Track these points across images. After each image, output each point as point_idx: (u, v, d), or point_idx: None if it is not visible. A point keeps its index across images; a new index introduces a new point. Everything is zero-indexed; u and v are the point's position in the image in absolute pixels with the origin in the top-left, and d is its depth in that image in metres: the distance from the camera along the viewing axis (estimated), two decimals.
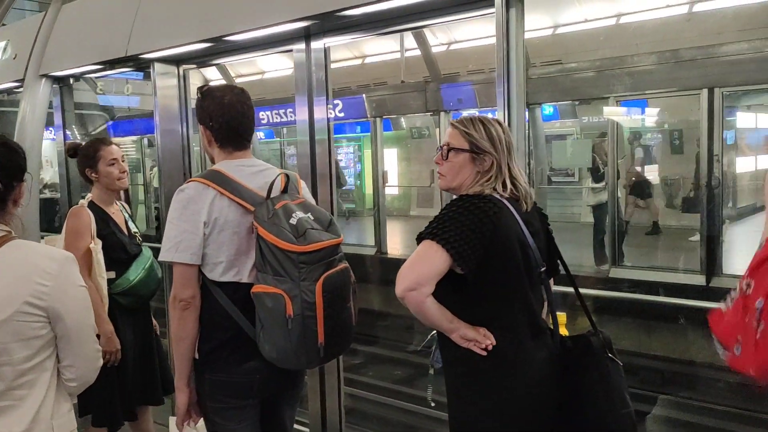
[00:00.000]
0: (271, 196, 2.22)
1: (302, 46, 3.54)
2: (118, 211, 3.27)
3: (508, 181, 2.04)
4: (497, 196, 2.01)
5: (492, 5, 2.68)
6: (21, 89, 4.90)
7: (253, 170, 2.32)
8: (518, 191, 2.06)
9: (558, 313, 2.18)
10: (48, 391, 1.82)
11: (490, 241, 1.93)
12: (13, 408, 1.76)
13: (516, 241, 1.99)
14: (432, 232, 1.94)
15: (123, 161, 3.21)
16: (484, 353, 1.96)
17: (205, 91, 2.35)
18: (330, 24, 3.31)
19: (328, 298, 2.12)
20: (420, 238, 1.97)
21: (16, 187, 1.83)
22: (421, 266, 1.93)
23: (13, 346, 1.73)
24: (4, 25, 6.14)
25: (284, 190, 2.28)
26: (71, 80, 5.02)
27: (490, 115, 2.18)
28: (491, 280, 1.97)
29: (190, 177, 4.13)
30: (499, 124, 2.11)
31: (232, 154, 2.34)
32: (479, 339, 1.96)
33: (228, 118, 2.29)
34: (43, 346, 1.80)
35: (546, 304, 2.17)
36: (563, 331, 2.21)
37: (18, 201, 1.85)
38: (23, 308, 1.72)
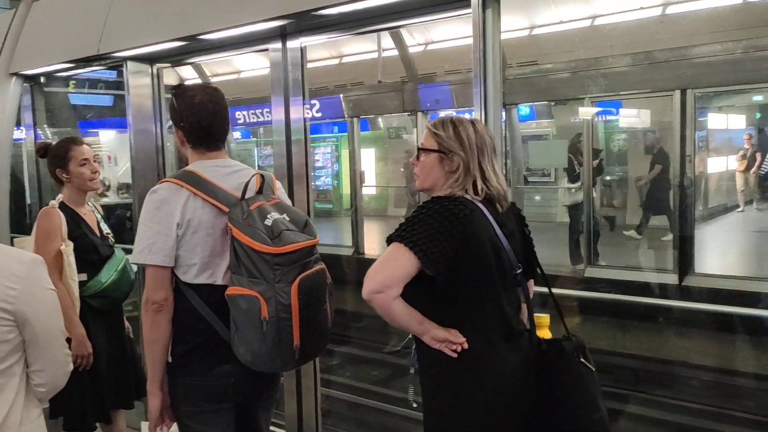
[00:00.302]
0: (246, 196, 2.20)
1: (278, 45, 3.51)
2: (90, 212, 3.22)
3: (479, 183, 2.03)
4: (469, 198, 2.01)
5: (468, 6, 2.68)
6: None
7: (228, 171, 2.29)
8: (492, 192, 2.04)
9: (541, 315, 2.17)
10: (17, 396, 1.79)
11: (460, 243, 1.92)
12: None
13: (488, 244, 1.98)
14: (401, 234, 1.94)
15: (95, 161, 3.16)
16: (455, 355, 1.96)
17: (178, 91, 2.32)
18: (306, 23, 3.28)
19: (303, 300, 2.10)
20: (389, 241, 1.97)
21: None
22: (389, 268, 1.94)
23: None
24: None
25: (259, 191, 2.25)
26: (42, 78, 4.95)
27: (467, 116, 2.17)
28: (462, 282, 1.97)
29: (164, 177, 4.10)
30: (474, 124, 2.09)
31: (205, 154, 2.31)
32: (450, 339, 1.96)
33: (198, 118, 2.26)
34: (11, 351, 1.76)
35: (525, 306, 2.17)
36: (546, 334, 2.19)
37: None
38: None
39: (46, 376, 1.85)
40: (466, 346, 1.96)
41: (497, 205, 2.05)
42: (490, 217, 2.01)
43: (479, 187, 2.02)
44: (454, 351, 1.96)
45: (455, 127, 2.07)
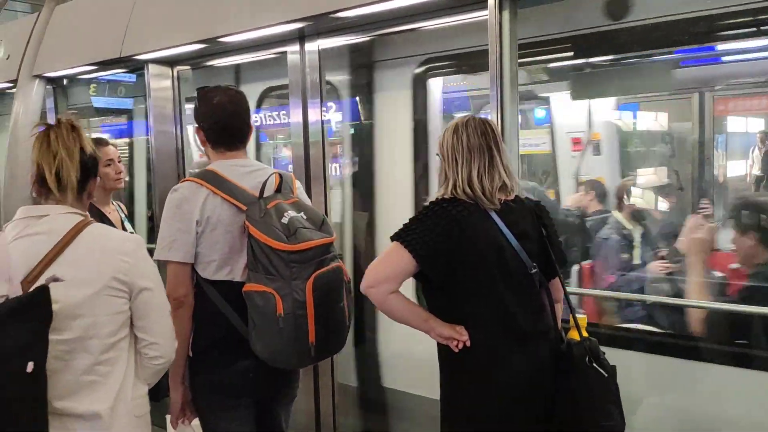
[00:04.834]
0: (264, 195, 2.24)
1: (296, 47, 3.54)
2: (114, 211, 3.29)
3: (459, 186, 2.04)
4: (468, 200, 2.02)
5: (485, 7, 2.69)
6: (14, 90, 4.89)
7: (247, 170, 2.34)
8: (476, 193, 2.03)
9: (579, 316, 2.13)
10: (127, 370, 1.88)
11: (456, 243, 1.97)
12: (98, 384, 1.82)
13: (489, 244, 2.01)
14: (399, 233, 2.02)
15: (119, 162, 3.23)
16: (457, 350, 2.01)
17: (200, 93, 2.37)
18: (324, 26, 3.31)
19: (318, 297, 2.14)
20: (392, 239, 2.03)
21: (92, 180, 1.97)
22: (384, 266, 2.02)
23: (101, 320, 1.80)
24: None
25: (278, 190, 2.29)
26: (65, 81, 5.02)
27: (467, 117, 2.12)
28: (459, 281, 2.01)
29: (184, 178, 4.16)
30: (466, 126, 2.08)
31: (225, 154, 2.36)
32: (455, 336, 2.00)
33: (217, 118, 2.33)
34: (123, 323, 1.86)
35: (558, 306, 2.17)
36: (577, 335, 2.12)
37: (92, 193, 2.01)
38: (111, 283, 1.81)
39: (161, 349, 1.92)
40: (468, 344, 1.99)
41: (489, 204, 2.04)
42: (496, 218, 2.03)
43: (458, 190, 2.04)
44: (456, 347, 2.00)
45: (445, 132, 2.12)
